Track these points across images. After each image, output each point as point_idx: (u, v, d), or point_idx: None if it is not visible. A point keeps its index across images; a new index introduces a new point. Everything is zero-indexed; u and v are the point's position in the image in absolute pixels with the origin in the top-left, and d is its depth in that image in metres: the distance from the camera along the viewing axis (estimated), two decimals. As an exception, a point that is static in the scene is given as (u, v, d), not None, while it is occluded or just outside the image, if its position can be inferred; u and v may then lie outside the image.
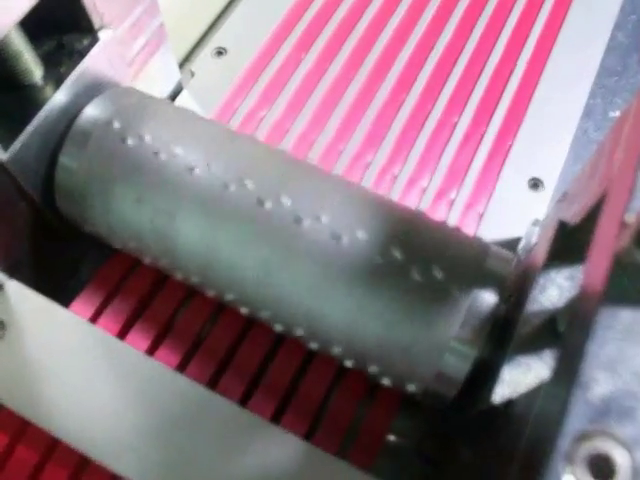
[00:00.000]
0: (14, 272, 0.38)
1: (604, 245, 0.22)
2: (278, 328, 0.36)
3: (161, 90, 0.46)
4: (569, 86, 0.49)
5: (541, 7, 0.52)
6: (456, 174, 0.44)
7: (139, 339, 0.39)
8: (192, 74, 0.49)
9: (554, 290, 0.29)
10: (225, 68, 0.49)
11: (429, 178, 0.44)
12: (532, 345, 0.28)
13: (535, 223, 0.43)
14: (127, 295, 0.40)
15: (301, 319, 0.34)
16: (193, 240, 0.35)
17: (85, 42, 0.36)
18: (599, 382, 0.19)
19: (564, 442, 0.18)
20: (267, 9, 0.52)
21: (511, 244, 0.42)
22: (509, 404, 0.27)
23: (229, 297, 0.36)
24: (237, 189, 0.34)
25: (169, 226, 0.35)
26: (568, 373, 0.21)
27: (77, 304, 0.40)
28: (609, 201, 0.25)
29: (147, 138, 0.36)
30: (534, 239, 0.42)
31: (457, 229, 0.35)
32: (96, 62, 0.37)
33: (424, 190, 0.44)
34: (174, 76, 0.46)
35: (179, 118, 0.37)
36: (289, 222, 0.33)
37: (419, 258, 0.32)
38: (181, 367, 0.38)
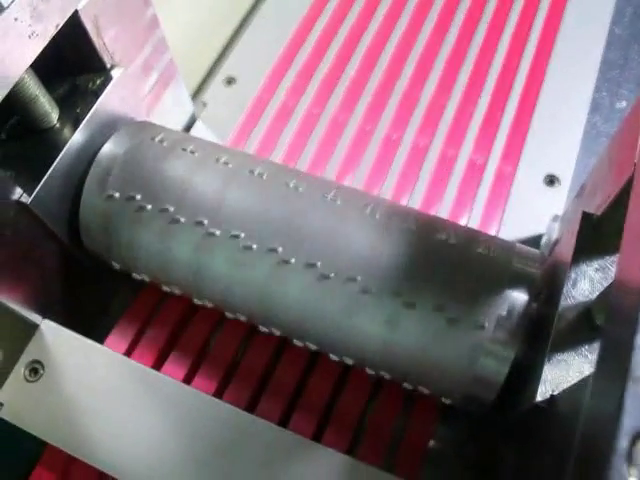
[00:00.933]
0: (47, 312, 0.39)
1: (637, 234, 0.23)
2: (313, 347, 0.36)
3: (175, 122, 0.46)
4: (574, 82, 0.49)
5: (537, 9, 0.53)
6: (473, 177, 0.45)
7: (175, 368, 0.39)
8: (204, 105, 0.49)
9: (586, 283, 0.30)
10: (236, 97, 0.50)
11: (446, 184, 0.45)
12: (570, 341, 0.28)
13: (555, 219, 0.44)
14: (159, 326, 0.40)
15: (334, 339, 0.34)
16: (220, 272, 0.35)
17: (98, 82, 0.37)
18: (652, 374, 0.19)
19: (623, 442, 0.18)
20: (272, 35, 0.53)
21: (533, 241, 0.42)
22: (552, 402, 0.27)
23: (263, 326, 0.36)
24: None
25: (196, 258, 0.35)
26: (616, 368, 0.21)
27: (111, 339, 0.40)
28: (637, 188, 0.25)
29: (167, 171, 0.36)
30: (555, 235, 0.43)
31: (480, 231, 0.36)
32: (110, 100, 0.37)
33: (444, 195, 0.44)
34: (187, 108, 0.47)
35: (197, 149, 0.38)
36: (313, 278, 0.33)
37: (448, 267, 0.33)
38: (219, 392, 0.39)
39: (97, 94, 0.37)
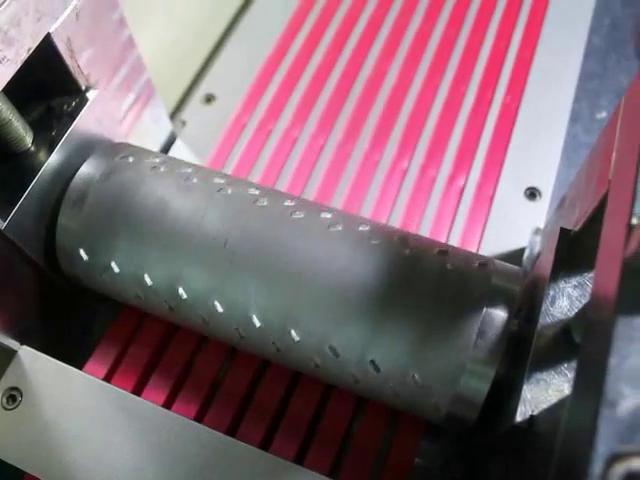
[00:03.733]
0: (26, 337, 0.38)
1: (611, 250, 0.22)
2: (294, 368, 0.36)
3: (154, 142, 0.46)
4: (553, 93, 0.49)
5: (516, 20, 0.53)
6: (452, 192, 0.45)
7: (156, 392, 0.39)
8: (183, 123, 0.49)
9: (564, 300, 0.29)
10: (215, 114, 0.50)
11: (426, 201, 0.44)
12: (549, 359, 0.28)
13: (536, 232, 0.44)
14: (140, 348, 0.40)
15: (314, 363, 0.34)
16: (198, 294, 0.34)
17: (73, 104, 0.37)
18: (625, 397, 0.18)
19: (597, 466, 0.17)
20: (251, 52, 0.53)
21: (515, 255, 0.42)
22: (531, 423, 0.27)
23: (242, 347, 0.36)
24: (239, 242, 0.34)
25: (174, 281, 0.35)
26: (591, 388, 0.21)
27: (91, 363, 0.40)
28: (611, 204, 0.25)
29: (143, 194, 0.36)
30: (537, 248, 0.43)
31: (458, 248, 0.35)
32: (86, 122, 0.37)
33: (424, 210, 0.44)
34: (166, 127, 0.47)
35: (172, 170, 0.37)
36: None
37: (423, 285, 0.32)
38: (200, 414, 0.38)
39: (72, 116, 0.36)
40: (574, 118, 0.49)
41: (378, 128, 0.48)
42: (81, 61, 0.36)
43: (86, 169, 0.37)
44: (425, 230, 0.43)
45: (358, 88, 0.50)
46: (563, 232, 0.30)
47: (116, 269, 0.36)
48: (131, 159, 0.38)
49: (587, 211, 0.29)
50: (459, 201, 0.44)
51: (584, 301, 0.29)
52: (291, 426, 0.37)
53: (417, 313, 0.32)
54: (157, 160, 0.38)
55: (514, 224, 0.43)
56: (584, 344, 0.24)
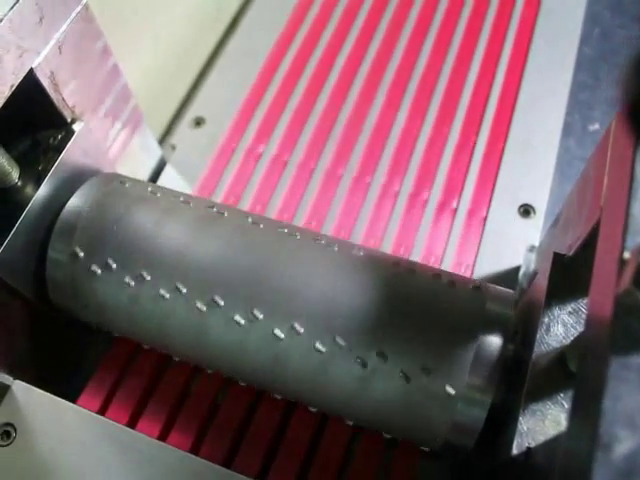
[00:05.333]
0: (18, 371, 0.38)
1: (604, 285, 0.22)
2: (289, 399, 0.35)
3: (144, 169, 0.46)
4: (545, 106, 0.49)
5: (506, 32, 0.53)
6: (445, 213, 0.44)
7: (151, 423, 0.38)
8: (173, 148, 0.49)
9: (559, 327, 0.29)
10: (205, 138, 0.49)
11: (419, 222, 0.44)
12: (545, 389, 0.28)
13: (531, 249, 0.43)
14: (134, 379, 0.39)
15: (308, 394, 0.33)
16: (190, 325, 0.34)
17: (59, 137, 0.36)
18: (620, 440, 0.18)
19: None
20: (239, 74, 0.52)
21: (511, 274, 0.42)
22: (528, 455, 0.27)
23: (237, 379, 0.35)
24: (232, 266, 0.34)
25: (164, 312, 0.34)
26: (586, 428, 0.20)
27: (85, 396, 0.39)
28: (603, 235, 0.25)
29: (132, 225, 0.36)
30: (532, 266, 0.42)
31: (452, 273, 0.35)
32: (73, 155, 0.37)
33: (417, 232, 0.44)
34: (155, 153, 0.47)
35: (162, 202, 0.37)
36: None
37: (417, 313, 0.32)
38: (196, 445, 0.38)
39: (59, 150, 0.36)
40: (566, 131, 0.49)
41: (368, 151, 0.47)
42: (66, 93, 0.35)
43: (75, 201, 0.37)
44: (418, 252, 0.43)
45: (347, 110, 0.50)
46: (557, 257, 0.30)
47: (107, 301, 0.36)
48: (120, 190, 0.37)
49: (580, 237, 0.28)
50: (452, 222, 0.44)
51: (579, 328, 0.29)
52: (288, 455, 0.37)
53: (411, 340, 0.31)
54: (147, 190, 0.38)
55: (509, 242, 0.43)
56: (578, 381, 0.24)
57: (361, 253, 0.35)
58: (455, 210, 0.44)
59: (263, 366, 0.33)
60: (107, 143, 0.41)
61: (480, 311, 0.32)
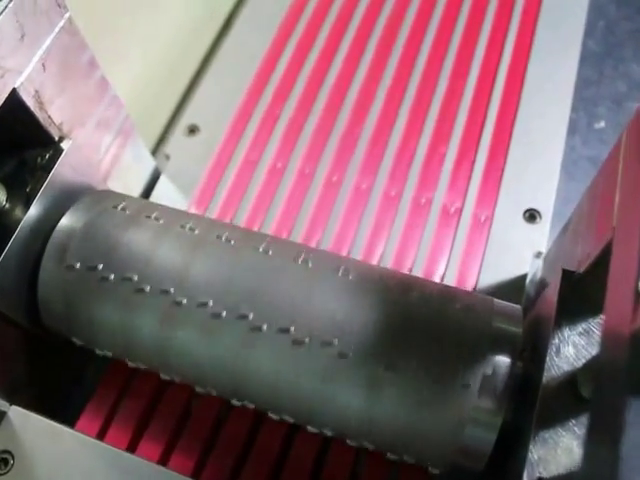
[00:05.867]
0: (15, 396, 0.37)
1: (618, 318, 0.21)
2: (289, 420, 0.34)
3: (137, 181, 0.45)
4: (550, 105, 0.47)
5: (508, 28, 0.51)
6: (449, 220, 0.43)
7: (151, 446, 0.37)
8: (167, 157, 0.48)
9: (570, 349, 0.28)
10: (200, 146, 0.48)
11: (421, 229, 0.43)
12: (556, 415, 0.27)
13: (538, 256, 0.42)
14: (133, 401, 0.38)
15: (311, 410, 0.32)
16: (188, 343, 0.33)
17: (47, 156, 0.35)
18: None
19: None
20: (232, 79, 0.51)
21: (517, 282, 0.41)
22: (542, 484, 0.26)
23: (235, 399, 0.34)
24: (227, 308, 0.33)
25: (161, 330, 0.33)
26: (603, 467, 0.19)
27: (83, 420, 0.38)
28: (616, 258, 0.24)
29: (126, 244, 0.35)
30: (539, 273, 0.41)
31: (457, 289, 0.34)
32: (62, 174, 0.35)
33: (420, 241, 0.43)
34: (149, 164, 0.45)
35: (160, 217, 0.36)
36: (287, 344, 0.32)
37: (421, 332, 0.31)
38: (197, 469, 0.37)
39: (47, 170, 0.35)
40: (571, 129, 0.47)
41: (367, 156, 0.46)
42: (52, 111, 0.34)
43: (66, 222, 0.36)
44: (421, 261, 0.41)
45: (345, 114, 0.48)
46: (566, 274, 0.29)
47: (102, 325, 0.35)
48: (113, 209, 0.36)
49: (591, 255, 0.27)
50: (456, 229, 0.43)
51: (590, 349, 0.28)
52: (292, 476, 0.36)
53: (417, 360, 0.30)
54: (141, 208, 0.37)
55: (514, 249, 0.42)
56: (593, 412, 0.23)
57: (361, 271, 0.34)
58: (458, 217, 0.43)
59: (265, 387, 0.32)
60: (98, 158, 0.39)
61: (487, 329, 0.31)
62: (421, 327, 0.31)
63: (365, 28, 0.53)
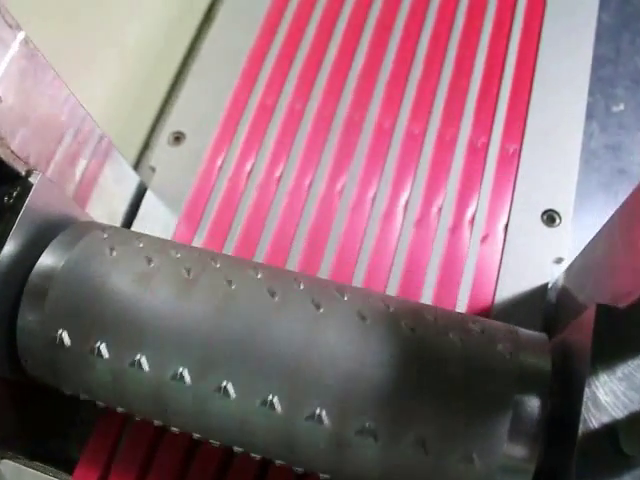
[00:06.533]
0: (5, 449, 0.35)
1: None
2: (301, 471, 0.32)
3: (121, 202, 0.41)
4: (564, 90, 0.43)
5: (514, 10, 0.46)
6: (461, 227, 0.40)
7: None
8: (153, 170, 0.44)
9: (608, 396, 0.25)
10: (186, 156, 0.44)
11: (432, 240, 0.40)
12: (597, 473, 0.24)
13: (558, 261, 0.39)
14: (131, 449, 0.36)
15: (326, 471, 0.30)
16: (183, 402, 0.30)
17: (15, 194, 0.32)
18: None
19: None
20: (218, 79, 0.47)
21: (537, 293, 0.38)
22: None
23: (237, 450, 0.31)
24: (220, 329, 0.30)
25: (157, 379, 0.31)
26: None
27: (79, 471, 0.36)
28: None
29: (113, 280, 0.31)
30: (561, 281, 0.38)
31: (475, 317, 0.31)
32: (34, 211, 0.32)
33: (430, 252, 0.39)
34: (132, 181, 0.42)
35: (144, 249, 0.33)
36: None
37: (440, 374, 0.28)
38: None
39: (16, 210, 0.31)
40: (588, 114, 0.43)
41: (368, 161, 0.42)
42: (15, 146, 0.31)
43: (44, 262, 0.33)
44: (433, 278, 0.38)
45: (343, 110, 0.44)
46: (601, 310, 0.26)
47: (89, 377, 0.32)
48: (95, 243, 0.33)
49: (632, 293, 0.24)
50: (470, 237, 0.39)
51: (631, 396, 0.25)
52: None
53: (437, 407, 0.28)
54: (126, 240, 0.34)
55: (533, 256, 0.38)
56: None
57: (368, 306, 0.30)
58: (472, 224, 0.40)
59: (274, 449, 0.30)
60: (73, 187, 0.36)
61: (514, 367, 0.28)
62: (438, 369, 0.28)
63: (360, 10, 0.48)
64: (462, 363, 0.28)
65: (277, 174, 0.43)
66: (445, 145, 0.42)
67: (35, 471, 0.34)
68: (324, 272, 0.39)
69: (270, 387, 0.29)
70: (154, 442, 0.36)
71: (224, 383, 0.29)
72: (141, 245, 0.33)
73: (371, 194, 0.42)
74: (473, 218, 0.40)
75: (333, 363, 0.28)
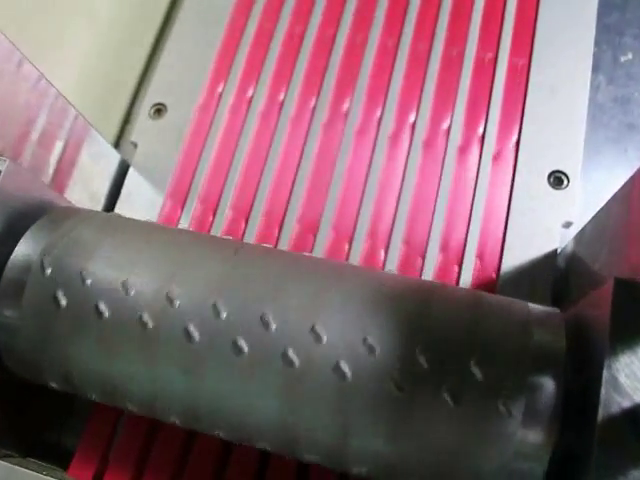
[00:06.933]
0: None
1: None
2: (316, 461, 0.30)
3: (103, 182, 0.39)
4: (569, 40, 0.40)
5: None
6: (462, 190, 0.38)
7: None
8: (135, 146, 0.41)
9: (629, 379, 0.23)
10: (169, 129, 0.41)
11: (432, 205, 0.37)
12: (617, 462, 0.22)
13: (566, 226, 0.37)
14: (127, 442, 0.34)
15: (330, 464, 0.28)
16: (173, 384, 0.29)
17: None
18: None
19: None
20: (198, 43, 0.44)
21: (546, 260, 0.36)
22: None
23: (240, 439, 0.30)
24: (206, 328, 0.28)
25: (147, 375, 0.29)
26: None
27: (76, 463, 0.34)
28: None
29: (96, 267, 0.30)
30: (571, 246, 0.36)
31: (486, 294, 0.29)
32: (5, 199, 0.30)
33: (433, 211, 0.37)
34: (113, 159, 0.40)
35: (128, 233, 0.31)
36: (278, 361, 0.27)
37: (451, 360, 0.26)
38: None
39: (-15, 199, 0.29)
40: (595, 65, 0.40)
41: (373, 82, 0.41)
42: (-21, 132, 0.28)
43: (21, 252, 0.31)
44: (435, 246, 0.36)
45: (333, 69, 0.42)
46: (620, 285, 0.24)
47: (75, 364, 0.30)
48: (75, 227, 0.31)
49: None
50: (472, 203, 0.37)
51: (656, 379, 0.23)
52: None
53: (448, 387, 0.26)
54: (107, 224, 0.32)
55: (540, 221, 0.36)
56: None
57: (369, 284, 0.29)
58: (474, 190, 0.37)
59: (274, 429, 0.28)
60: (51, 170, 0.34)
61: (528, 346, 0.26)
62: (449, 346, 0.27)
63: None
64: (472, 342, 0.27)
65: (266, 147, 0.40)
66: (445, 105, 0.40)
67: (28, 470, 0.33)
68: (332, 199, 0.38)
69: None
70: (150, 433, 0.35)
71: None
72: (121, 229, 0.31)
73: (377, 115, 0.40)
74: (483, 136, 0.38)
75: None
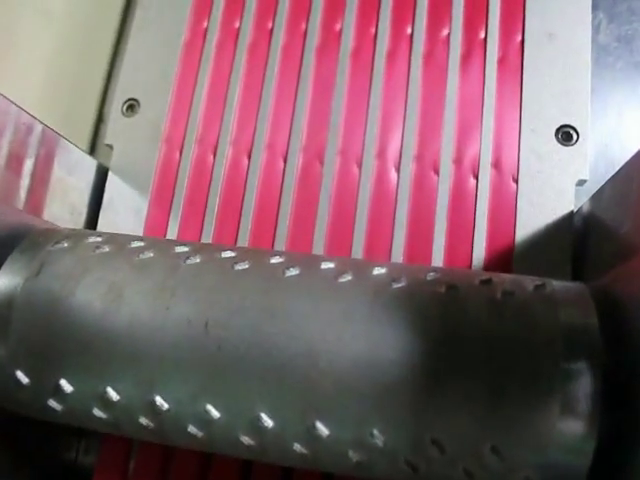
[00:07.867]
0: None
1: None
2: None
3: (81, 191, 0.36)
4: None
5: None
6: (472, 95, 0.36)
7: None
8: (111, 148, 0.38)
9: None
10: (144, 126, 0.39)
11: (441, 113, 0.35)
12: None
13: (580, 184, 0.35)
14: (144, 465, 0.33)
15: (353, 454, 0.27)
16: (182, 400, 0.27)
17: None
18: None
19: None
20: (165, 28, 0.40)
21: (562, 225, 0.34)
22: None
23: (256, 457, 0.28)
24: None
25: (148, 390, 0.27)
26: None
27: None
28: None
29: (86, 286, 0.28)
30: (586, 207, 0.34)
31: (502, 275, 0.27)
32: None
33: (442, 123, 0.35)
34: (89, 166, 0.37)
35: (118, 249, 0.29)
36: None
37: (472, 341, 0.24)
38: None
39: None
40: (593, 4, 0.37)
41: (356, 48, 0.38)
42: None
43: (5, 278, 0.29)
44: (441, 229, 0.34)
45: (312, 45, 0.38)
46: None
47: (67, 389, 0.28)
48: (60, 246, 0.29)
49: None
50: (482, 109, 0.35)
51: None
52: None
53: (474, 381, 0.24)
54: (94, 240, 0.29)
55: (551, 181, 0.34)
56: None
57: (384, 271, 0.27)
58: (482, 98, 0.35)
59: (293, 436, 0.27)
60: (23, 192, 0.31)
61: (556, 328, 0.25)
62: (470, 335, 0.25)
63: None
64: (493, 330, 0.25)
65: (249, 142, 0.38)
66: (438, 59, 0.37)
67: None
68: (334, 124, 0.37)
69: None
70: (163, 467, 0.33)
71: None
72: (109, 239, 0.29)
73: (372, 32, 0.38)
74: (479, 147, 0.35)
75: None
